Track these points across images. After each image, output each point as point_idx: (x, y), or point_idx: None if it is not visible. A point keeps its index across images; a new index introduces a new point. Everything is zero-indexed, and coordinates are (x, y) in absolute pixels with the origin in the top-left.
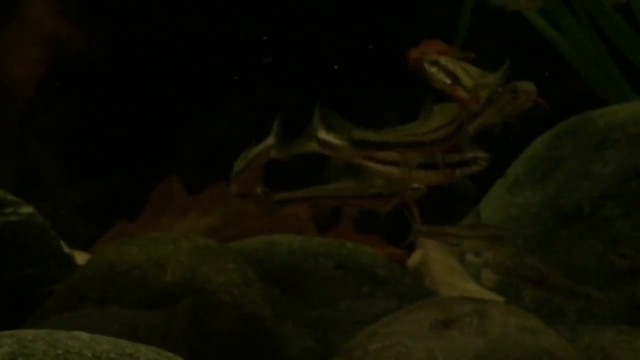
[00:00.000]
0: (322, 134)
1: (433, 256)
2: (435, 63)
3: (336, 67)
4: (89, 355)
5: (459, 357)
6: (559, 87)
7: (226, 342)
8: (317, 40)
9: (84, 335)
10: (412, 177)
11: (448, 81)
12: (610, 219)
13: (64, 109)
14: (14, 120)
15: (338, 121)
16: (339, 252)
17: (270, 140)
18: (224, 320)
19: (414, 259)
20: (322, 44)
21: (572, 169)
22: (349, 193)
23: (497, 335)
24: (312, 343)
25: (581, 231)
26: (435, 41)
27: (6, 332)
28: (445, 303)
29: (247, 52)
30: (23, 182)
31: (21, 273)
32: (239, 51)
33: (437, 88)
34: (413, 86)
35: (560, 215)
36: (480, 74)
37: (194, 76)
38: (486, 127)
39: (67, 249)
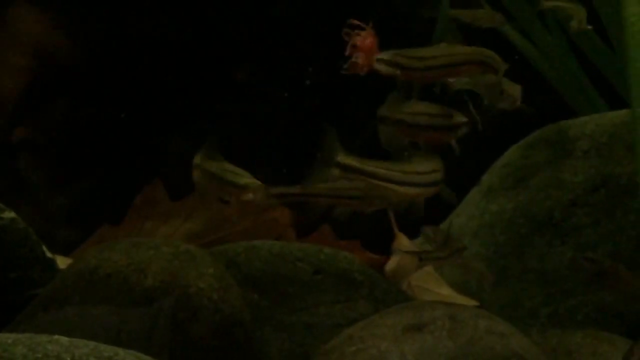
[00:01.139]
0: (344, 158)
1: (409, 262)
2: (380, 60)
3: (308, 81)
4: (68, 359)
5: None
6: (532, 97)
7: (206, 346)
8: (300, 53)
9: (63, 340)
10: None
11: (397, 71)
12: (579, 227)
13: (47, 115)
14: None
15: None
16: (317, 258)
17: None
18: (204, 324)
19: (391, 264)
20: (306, 57)
21: (544, 178)
22: (343, 193)
23: (467, 339)
24: (290, 347)
25: (552, 238)
26: (366, 33)
27: None
28: (419, 307)
29: (233, 58)
30: (5, 188)
31: (4, 277)
32: (224, 56)
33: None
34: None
35: (533, 222)
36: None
37: (178, 83)
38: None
39: (49, 254)
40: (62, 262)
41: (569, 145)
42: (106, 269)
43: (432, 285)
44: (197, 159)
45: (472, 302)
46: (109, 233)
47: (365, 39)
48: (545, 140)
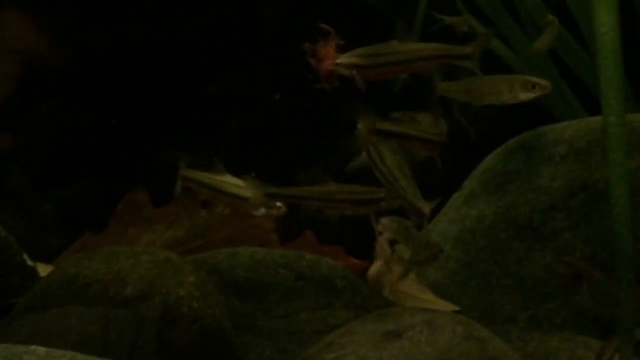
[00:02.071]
0: (381, 124)
1: (391, 267)
2: (339, 64)
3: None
4: None
5: None
6: (511, 103)
7: (186, 353)
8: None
9: (40, 350)
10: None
11: (354, 71)
12: (558, 231)
13: (33, 122)
14: None
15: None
16: (299, 264)
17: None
18: (184, 332)
19: (373, 269)
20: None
21: (524, 183)
22: (335, 197)
23: (445, 345)
24: (271, 353)
25: (531, 242)
26: (329, 40)
27: None
28: (398, 314)
29: (219, 65)
30: None
31: None
32: (211, 63)
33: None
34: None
35: (512, 227)
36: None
37: (164, 89)
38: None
39: (30, 262)
40: (44, 269)
41: (547, 151)
42: (86, 278)
43: (414, 291)
44: (186, 172)
45: (453, 307)
46: (92, 240)
47: (323, 48)
48: (525, 146)
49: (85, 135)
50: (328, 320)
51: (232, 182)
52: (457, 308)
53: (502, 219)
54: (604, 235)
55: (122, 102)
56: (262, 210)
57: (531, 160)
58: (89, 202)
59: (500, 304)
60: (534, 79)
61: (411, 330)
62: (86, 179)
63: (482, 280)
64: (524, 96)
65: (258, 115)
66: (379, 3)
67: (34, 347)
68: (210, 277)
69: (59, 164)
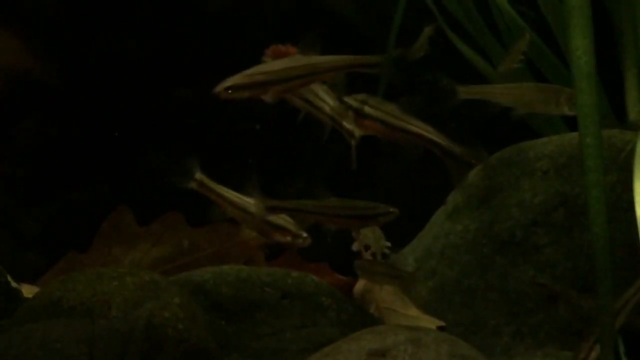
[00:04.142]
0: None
1: (377, 284)
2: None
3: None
4: None
5: None
6: (491, 118)
7: None
8: None
9: None
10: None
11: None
12: (540, 246)
13: (15, 139)
14: None
15: None
16: (284, 282)
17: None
18: (169, 354)
19: (359, 286)
20: None
21: (506, 198)
22: (336, 212)
23: None
24: None
25: (514, 257)
26: (284, 47)
27: None
28: (383, 332)
29: (205, 78)
30: None
31: None
32: (197, 74)
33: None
34: None
35: (495, 242)
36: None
37: (148, 104)
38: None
39: (14, 283)
40: (28, 291)
41: (529, 166)
42: (70, 301)
43: (399, 307)
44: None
45: (438, 322)
46: (76, 260)
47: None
48: (507, 161)
49: (69, 152)
50: (314, 338)
51: (240, 196)
52: (442, 323)
53: (486, 234)
54: (584, 250)
55: (106, 119)
56: (288, 239)
57: (513, 176)
58: (72, 220)
59: (485, 319)
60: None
61: (395, 349)
62: (69, 196)
63: (467, 295)
64: (567, 110)
65: (243, 127)
66: (356, 17)
67: None
68: (195, 296)
69: (41, 182)
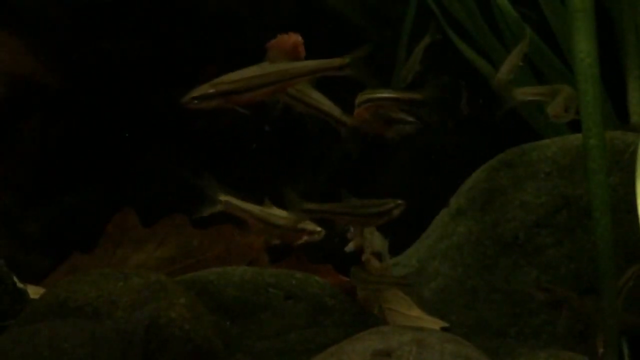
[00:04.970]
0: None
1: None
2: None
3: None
4: None
5: None
6: (494, 120)
7: None
8: None
9: None
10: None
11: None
12: (543, 247)
13: (17, 140)
14: None
15: None
16: (289, 283)
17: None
18: (175, 354)
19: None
20: None
21: (509, 199)
22: (360, 211)
23: None
24: None
25: (517, 258)
26: (290, 34)
27: None
28: (387, 333)
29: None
30: None
31: None
32: (196, 75)
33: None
34: None
35: (499, 243)
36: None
37: (150, 105)
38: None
39: (20, 284)
40: (34, 291)
41: (532, 168)
42: (77, 301)
43: (403, 308)
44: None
45: (442, 323)
46: (80, 261)
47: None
48: (509, 163)
49: (73, 153)
50: (318, 339)
51: (267, 209)
52: (445, 324)
53: (489, 236)
54: (587, 251)
55: (108, 120)
56: (305, 238)
57: (516, 177)
58: (75, 221)
59: (488, 320)
60: None
61: (400, 349)
62: (73, 198)
63: (470, 296)
64: None
65: (245, 130)
66: (363, 21)
67: None
68: (200, 297)
69: (44, 184)
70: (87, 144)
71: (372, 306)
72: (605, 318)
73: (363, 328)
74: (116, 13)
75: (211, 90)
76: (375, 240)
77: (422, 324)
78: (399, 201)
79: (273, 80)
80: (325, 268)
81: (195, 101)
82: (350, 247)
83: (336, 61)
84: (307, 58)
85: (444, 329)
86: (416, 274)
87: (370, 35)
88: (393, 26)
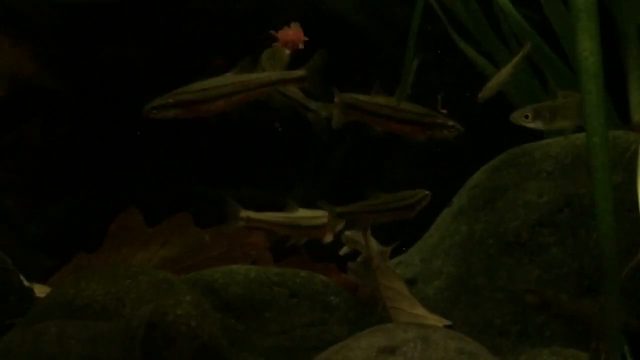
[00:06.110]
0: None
1: (384, 283)
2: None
3: None
4: None
5: None
6: (496, 119)
7: None
8: None
9: None
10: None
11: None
12: (545, 246)
13: (20, 142)
14: None
15: None
16: (293, 281)
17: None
18: (182, 351)
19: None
20: None
21: (511, 199)
22: (389, 206)
23: (438, 359)
24: None
25: (520, 257)
26: (292, 26)
27: None
28: (392, 330)
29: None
30: None
31: None
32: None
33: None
34: None
35: (501, 242)
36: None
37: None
38: None
39: (26, 283)
40: (40, 290)
41: (534, 167)
42: (84, 299)
43: (406, 306)
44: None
45: (445, 322)
46: (85, 260)
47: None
48: (512, 162)
49: (75, 155)
50: (323, 336)
51: (290, 215)
52: (449, 322)
53: (491, 234)
54: (590, 250)
55: (111, 121)
56: (331, 237)
57: (518, 177)
58: (80, 221)
59: (491, 318)
60: None
61: (405, 345)
62: (77, 198)
63: (473, 295)
64: None
65: (248, 133)
66: (368, 24)
67: None
68: (205, 295)
69: (49, 184)
70: (89, 145)
71: (376, 304)
72: (608, 316)
73: (367, 326)
74: (117, 15)
75: (170, 100)
76: (371, 244)
77: (426, 322)
78: (426, 191)
79: (233, 91)
80: (328, 267)
81: (154, 111)
82: (344, 250)
83: (295, 73)
84: (307, 55)
85: (447, 327)
86: (419, 273)
87: (370, 35)
88: (393, 26)
